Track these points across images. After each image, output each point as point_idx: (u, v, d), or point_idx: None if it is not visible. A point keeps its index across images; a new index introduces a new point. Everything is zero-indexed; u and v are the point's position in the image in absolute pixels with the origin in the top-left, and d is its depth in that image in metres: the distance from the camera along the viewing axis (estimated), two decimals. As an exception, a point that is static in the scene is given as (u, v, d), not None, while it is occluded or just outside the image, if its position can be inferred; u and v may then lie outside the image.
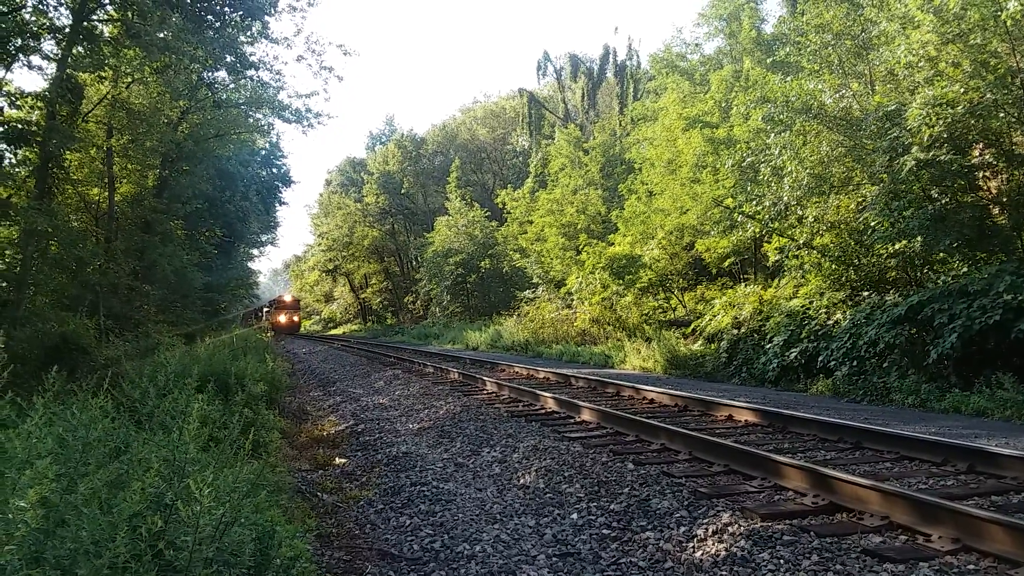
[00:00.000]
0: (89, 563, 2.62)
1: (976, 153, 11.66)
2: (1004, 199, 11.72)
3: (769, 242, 16.47)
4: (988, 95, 10.60)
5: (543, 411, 10.08)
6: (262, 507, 3.88)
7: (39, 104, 16.69)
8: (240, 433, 4.17)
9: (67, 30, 16.29)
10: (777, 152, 13.94)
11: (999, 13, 10.41)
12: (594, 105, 43.77)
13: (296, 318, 60.86)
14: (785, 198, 13.83)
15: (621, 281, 23.13)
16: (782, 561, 4.14)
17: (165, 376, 4.96)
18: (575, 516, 5.36)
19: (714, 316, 17.20)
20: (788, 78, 15.17)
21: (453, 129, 63.60)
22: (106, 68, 17.60)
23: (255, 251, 50.57)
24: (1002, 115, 11.06)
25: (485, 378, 13.36)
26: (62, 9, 17.09)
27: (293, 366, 20.24)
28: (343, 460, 8.00)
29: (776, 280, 17.00)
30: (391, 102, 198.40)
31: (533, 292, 33.63)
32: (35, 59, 17.41)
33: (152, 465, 3.08)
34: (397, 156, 59.38)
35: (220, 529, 2.90)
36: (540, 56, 48.12)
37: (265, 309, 63.67)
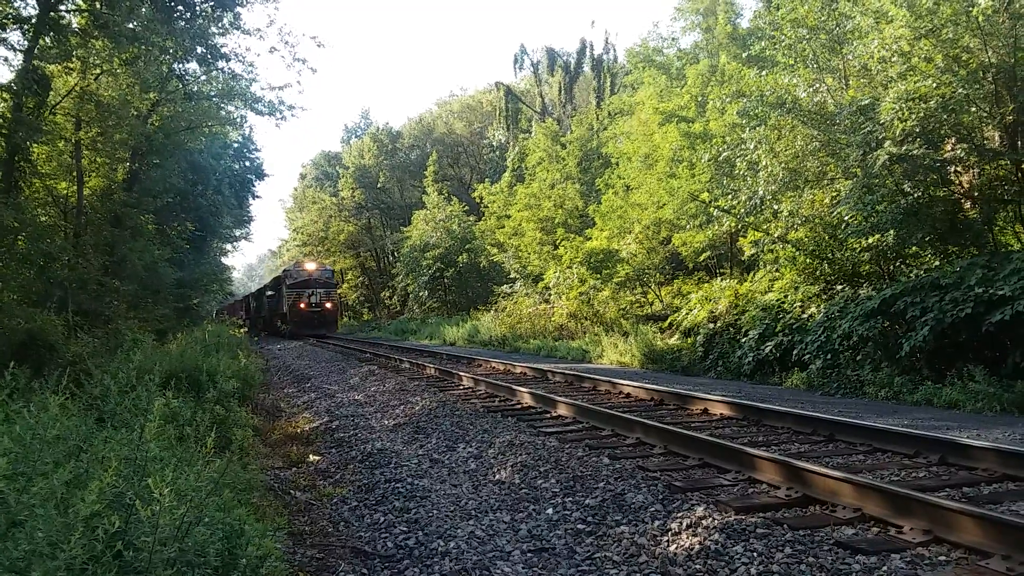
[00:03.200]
0: (44, 565, 2.53)
1: (948, 148, 11.77)
2: (975, 193, 11.84)
3: (744, 236, 16.55)
4: (960, 90, 10.70)
5: (519, 406, 10.04)
6: (229, 506, 3.79)
7: (4, 96, 16.32)
8: (210, 430, 4.08)
9: (34, 20, 15.93)
10: (752, 147, 13.99)
11: (971, 8, 10.50)
12: (571, 99, 43.75)
13: (331, 304, 38.78)
14: (760, 192, 13.88)
15: (598, 275, 23.15)
16: (755, 554, 4.12)
17: (128, 373, 4.85)
18: (550, 511, 5.32)
19: (690, 310, 17.26)
20: (763, 72, 15.23)
21: (429, 123, 63.30)
22: (74, 59, 17.23)
23: (228, 246, 47.48)
24: (974, 110, 11.17)
25: (462, 373, 13.29)
26: (28, -2, 16.74)
27: (267, 362, 20.03)
28: (317, 457, 7.91)
29: (751, 274, 17.09)
30: (366, 95, 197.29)
31: (511, 287, 33.58)
32: (0, 50, 17.06)
33: (111, 464, 2.99)
34: (373, 150, 59.01)
35: (182, 529, 2.82)
36: (517, 49, 48.13)
37: (268, 294, 44.24)
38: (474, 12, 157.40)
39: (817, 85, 13.80)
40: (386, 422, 9.57)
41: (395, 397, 11.30)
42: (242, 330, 25.93)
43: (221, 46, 21.91)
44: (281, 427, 9.91)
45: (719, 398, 9.20)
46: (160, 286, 22.66)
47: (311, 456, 7.91)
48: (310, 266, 40.41)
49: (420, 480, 6.52)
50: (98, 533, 2.61)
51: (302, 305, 37.32)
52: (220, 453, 4.98)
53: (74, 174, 19.71)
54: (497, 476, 6.36)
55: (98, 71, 18.92)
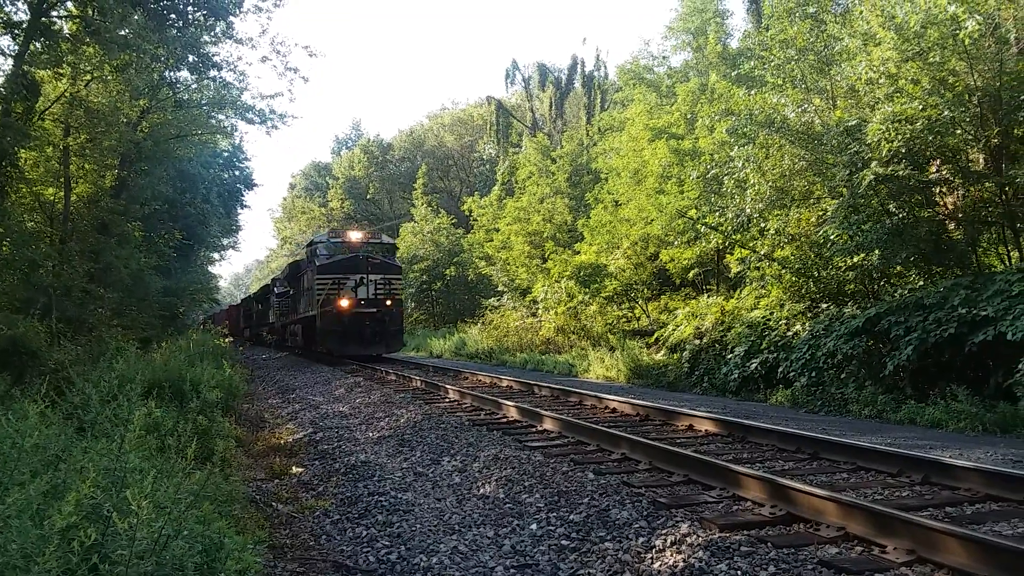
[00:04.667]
0: (17, 578, 2.49)
1: (933, 169, 11.89)
2: (960, 215, 11.95)
3: (731, 253, 16.62)
4: (946, 112, 10.82)
5: (505, 420, 10.01)
6: (209, 518, 3.75)
7: (-7, 100, 16.22)
8: (191, 441, 4.04)
9: (24, 25, 15.88)
10: (740, 164, 14.07)
11: (957, 32, 10.62)
12: (562, 114, 43.94)
13: (390, 302, 23.13)
14: (747, 210, 13.96)
15: (586, 290, 23.18)
16: (739, 572, 4.11)
17: (110, 382, 4.81)
18: (534, 527, 5.30)
19: (677, 326, 17.29)
20: (752, 92, 15.35)
21: (420, 135, 63.42)
22: (64, 65, 17.18)
23: (216, 255, 47.09)
24: (959, 132, 11.29)
25: (448, 386, 13.24)
26: (20, 3, 16.68)
27: (252, 372, 19.89)
28: (300, 469, 7.84)
29: (738, 291, 17.15)
30: (358, 107, 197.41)
31: (498, 300, 33.56)
32: (-11, 54, 16.99)
33: (90, 475, 2.95)
34: (363, 161, 59.03)
35: (160, 542, 2.78)
36: (508, 65, 48.45)
37: (276, 292, 32.23)
38: (467, 27, 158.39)
39: (805, 105, 13.92)
40: (371, 434, 9.51)
41: (380, 409, 11.24)
42: (227, 340, 25.74)
43: (213, 55, 21.90)
44: (264, 438, 9.83)
45: (704, 414, 9.20)
46: (145, 294, 22.50)
47: (294, 468, 7.85)
48: (354, 235, 24.70)
49: (404, 493, 6.48)
50: (74, 546, 2.57)
51: (344, 303, 21.77)
52: (202, 464, 4.93)
53: (61, 180, 19.59)
54: (481, 490, 6.33)
55: (88, 77, 18.86)
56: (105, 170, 21.49)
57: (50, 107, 18.31)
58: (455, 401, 12.10)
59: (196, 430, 6.43)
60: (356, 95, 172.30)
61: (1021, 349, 8.71)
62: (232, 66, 22.82)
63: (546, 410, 9.93)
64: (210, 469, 3.66)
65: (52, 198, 20.27)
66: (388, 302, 22.61)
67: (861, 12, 13.23)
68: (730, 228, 14.76)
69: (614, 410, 10.73)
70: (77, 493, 2.76)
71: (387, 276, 22.99)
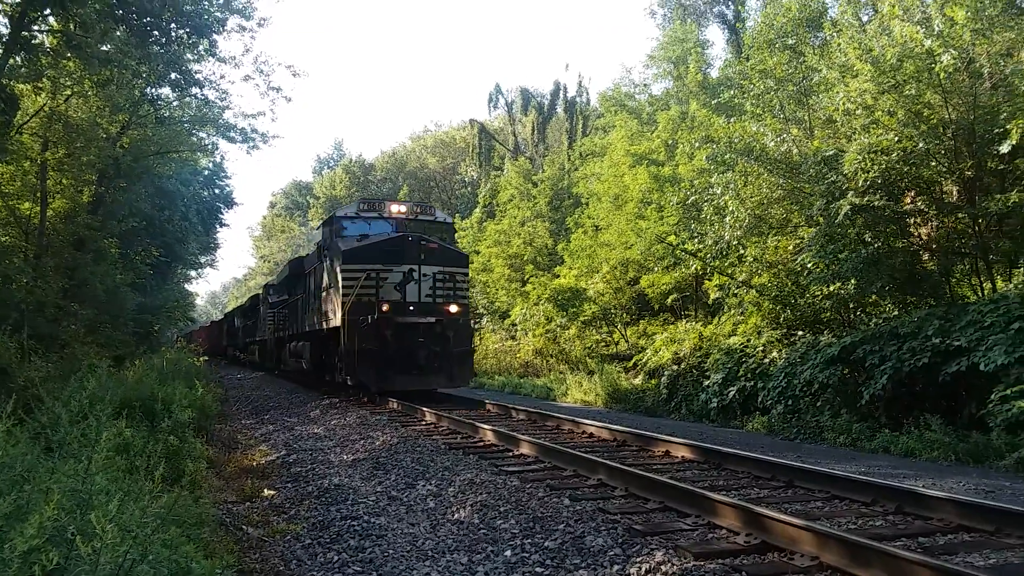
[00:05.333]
0: (-25, 603, 2.42)
1: (908, 200, 12.07)
2: (933, 245, 12.13)
3: (710, 279, 16.74)
4: (921, 144, 11.01)
5: (482, 444, 9.95)
6: (177, 542, 3.68)
7: (-31, 113, 16.05)
8: (161, 462, 3.97)
9: (4, 39, 15.78)
10: (719, 191, 14.21)
11: (933, 66, 10.84)
12: (543, 139, 44.23)
13: (457, 308, 15.51)
14: (726, 237, 14.08)
15: (565, 313, 23.21)
16: (714, 602, 4.09)
17: (80, 400, 4.72)
18: (508, 553, 5.25)
19: (655, 351, 17.34)
20: (732, 120, 15.54)
21: (403, 157, 63.53)
22: (44, 79, 17.07)
23: (193, 272, 46.78)
24: (933, 164, 11.48)
25: (424, 409, 13.15)
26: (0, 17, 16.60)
27: (226, 392, 19.65)
28: (272, 492, 7.73)
29: (716, 317, 17.25)
30: (340, 127, 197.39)
31: (477, 322, 33.51)
32: (-32, 67, 16.81)
33: (54, 496, 2.88)
34: (345, 181, 59.02)
35: (124, 567, 2.72)
36: (492, 88, 48.75)
37: (270, 302, 26.33)
38: (451, 50, 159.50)
39: (784, 135, 14.12)
40: (345, 457, 9.41)
41: (355, 432, 11.13)
42: (202, 359, 25.35)
43: (196, 72, 21.85)
44: (236, 460, 9.70)
45: (681, 441, 9.20)
46: (120, 311, 22.22)
47: (266, 491, 7.74)
48: (397, 207, 17.03)
49: (377, 518, 6.40)
50: (35, 570, 2.51)
51: (387, 308, 14.99)
52: (171, 486, 4.85)
53: (38, 195, 19.38)
54: (456, 515, 6.27)
55: (68, 92, 18.74)
56: (83, 185, 21.31)
57: (28, 121, 18.14)
58: (431, 424, 12.01)
59: (166, 451, 6.33)
60: (339, 115, 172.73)
61: (994, 380, 8.81)
62: (215, 84, 22.75)
63: (523, 434, 9.89)
64: (179, 492, 3.60)
65: (28, 213, 20.03)
66: (453, 308, 15.43)
67: (839, 44, 13.47)
68: (709, 254, 14.87)
69: (591, 435, 10.70)
70: (40, 515, 2.70)
71: (449, 269, 15.63)
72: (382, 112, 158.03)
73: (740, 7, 31.45)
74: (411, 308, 15.01)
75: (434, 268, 15.32)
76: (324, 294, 16.97)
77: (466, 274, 16.63)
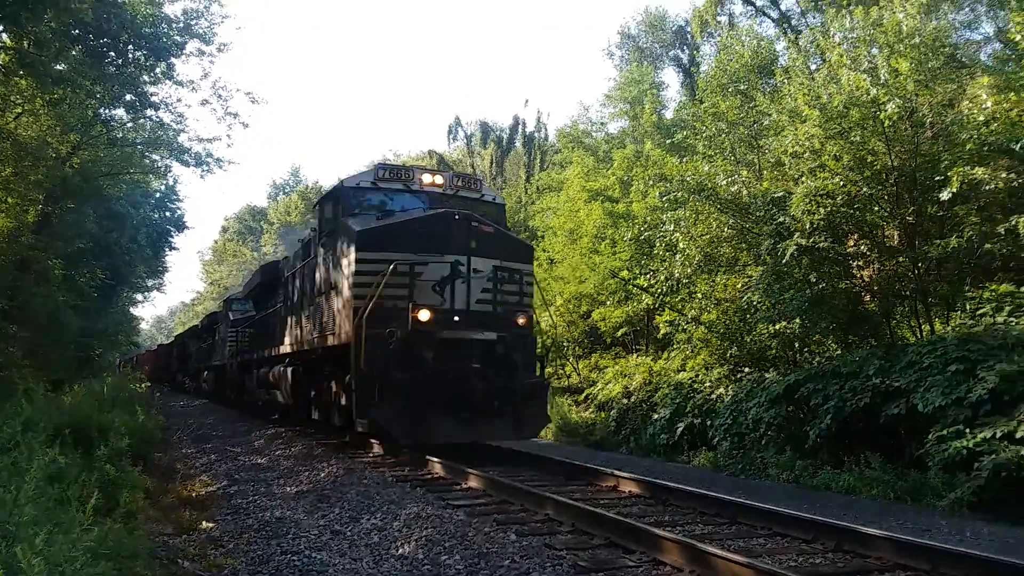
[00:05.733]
0: None
1: (852, 243, 12.42)
2: (875, 287, 12.47)
3: (661, 314, 16.94)
4: (865, 189, 11.38)
5: (429, 476, 9.86)
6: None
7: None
8: (95, 492, 3.86)
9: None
10: (671, 228, 14.45)
11: (878, 113, 11.26)
12: (502, 172, 44.53)
13: (522, 319, 11.44)
14: (677, 273, 14.29)
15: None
16: (654, 640, 4.10)
17: (13, 427, 4.55)
18: (451, 589, 5.19)
19: (606, 384, 17.43)
20: (685, 159, 15.88)
21: (360, 185, 63.33)
22: (-8, 96, 16.73)
23: (139, 296, 45.65)
24: (876, 209, 11.87)
25: (372, 440, 12.98)
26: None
27: (168, 420, 19.15)
28: (211, 524, 7.53)
29: (666, 352, 17.43)
30: (298, 153, 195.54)
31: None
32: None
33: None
34: (300, 207, 58.57)
35: (48, 603, 2.63)
36: (452, 121, 48.85)
37: (231, 320, 22.26)
38: (412, 82, 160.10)
39: (734, 176, 14.45)
40: (288, 489, 9.23)
41: (301, 463, 10.93)
42: (145, 385, 24.60)
43: (152, 95, 21.64)
44: (175, 490, 9.43)
45: (629, 475, 9.24)
46: (61, 334, 21.58)
47: (204, 523, 7.53)
48: (431, 178, 12.33)
49: (319, 553, 6.28)
50: (-48, 605, 2.41)
51: (425, 315, 10.44)
52: (105, 517, 4.69)
53: (-21, 213, 18.84)
54: (400, 551, 6.18)
55: (19, 110, 18.37)
56: (29, 204, 20.76)
57: (-27, 137, 17.70)
58: (379, 456, 11.85)
59: (102, 480, 6.16)
60: (297, 142, 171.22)
61: (931, 420, 9.04)
62: (171, 107, 22.53)
63: (471, 467, 9.82)
64: (112, 524, 3.50)
65: (-32, 231, 19.44)
66: (521, 319, 11.50)
67: (789, 90, 13.90)
68: (660, 290, 15.07)
69: (540, 468, 10.67)
70: (-39, 549, 2.60)
71: (511, 265, 11.49)
72: (341, 140, 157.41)
73: (695, 52, 32.36)
74: (457, 319, 10.64)
75: (491, 261, 10.99)
76: (319, 299, 12.43)
77: (531, 273, 12.29)
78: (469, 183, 12.71)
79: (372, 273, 10.47)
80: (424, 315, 10.26)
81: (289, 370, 14.20)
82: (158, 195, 37.54)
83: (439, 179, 12.22)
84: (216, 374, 26.32)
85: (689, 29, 31.25)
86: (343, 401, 11.41)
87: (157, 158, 26.21)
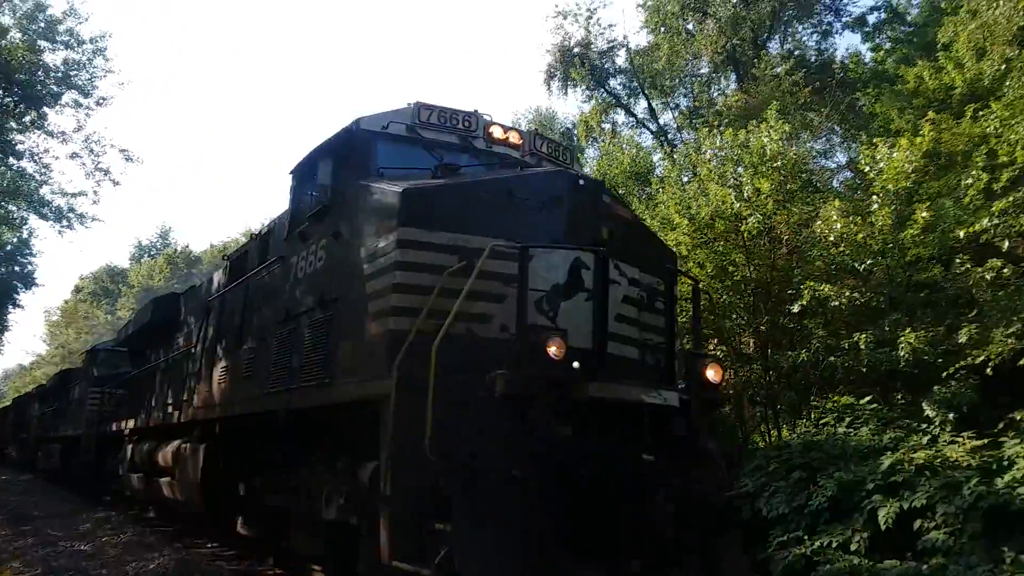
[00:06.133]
0: None
1: (711, 347, 12.95)
2: (731, 392, 12.98)
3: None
4: (725, 297, 12.00)
5: (271, 572, 9.18)
6: None
7: None
8: None
9: None
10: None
11: (740, 226, 12.00)
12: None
13: (714, 372, 6.05)
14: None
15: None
16: None
17: None
18: None
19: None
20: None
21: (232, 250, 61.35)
22: None
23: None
24: (735, 316, 12.49)
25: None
26: None
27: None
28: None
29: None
30: (170, 213, 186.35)
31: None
32: None
33: None
34: (166, 272, 55.94)
35: None
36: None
37: (93, 376, 17.38)
38: (291, 145, 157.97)
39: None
40: (110, 581, 8.36)
41: (129, 551, 9.97)
42: None
43: (16, 143, 20.54)
44: (-24, 580, 8.36)
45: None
46: None
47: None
48: (506, 134, 7.67)
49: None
50: None
51: (555, 351, 5.00)
52: None
53: None
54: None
55: None
56: None
57: None
58: (221, 545, 10.97)
59: None
60: (172, 201, 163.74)
61: (772, 524, 9.28)
62: (36, 157, 21.34)
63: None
64: None
65: None
66: (709, 370, 6.20)
67: (663, 199, 14.63)
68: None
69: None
70: None
71: (650, 277, 6.45)
72: (217, 205, 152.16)
73: (579, 155, 33.81)
74: (586, 364, 5.45)
75: (632, 269, 6.20)
76: (289, 327, 7.55)
77: (675, 294, 7.30)
78: (557, 151, 8.20)
79: (432, 268, 5.71)
80: (556, 349, 5.10)
81: (201, 448, 9.27)
82: (9, 248, 35.04)
83: (516, 136, 7.80)
84: (66, 447, 19.94)
85: (575, 132, 32.65)
86: (334, 515, 6.30)
87: (13, 209, 24.60)
